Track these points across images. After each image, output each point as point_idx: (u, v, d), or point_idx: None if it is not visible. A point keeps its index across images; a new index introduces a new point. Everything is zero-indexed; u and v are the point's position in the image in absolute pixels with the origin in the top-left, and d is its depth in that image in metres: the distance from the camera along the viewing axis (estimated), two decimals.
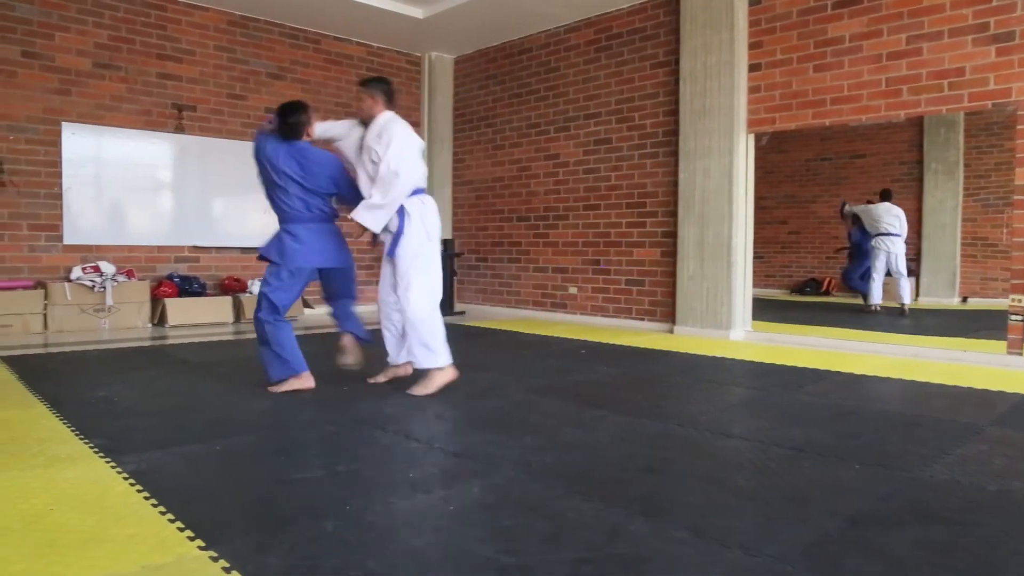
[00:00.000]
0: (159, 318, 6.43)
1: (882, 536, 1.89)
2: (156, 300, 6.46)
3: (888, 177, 9.97)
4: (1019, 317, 4.63)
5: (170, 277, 6.67)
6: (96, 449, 2.60)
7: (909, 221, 9.88)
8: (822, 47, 5.46)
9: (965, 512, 2.07)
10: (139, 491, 2.17)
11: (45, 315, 5.88)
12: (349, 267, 3.79)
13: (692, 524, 1.95)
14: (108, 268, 6.22)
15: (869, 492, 2.24)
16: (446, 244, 8.09)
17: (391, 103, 3.64)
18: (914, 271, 9.31)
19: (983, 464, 2.53)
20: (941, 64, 4.91)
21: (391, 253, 3.57)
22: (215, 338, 5.67)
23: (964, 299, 9.09)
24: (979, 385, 3.96)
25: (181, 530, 1.87)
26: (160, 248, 6.77)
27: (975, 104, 4.81)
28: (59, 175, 6.18)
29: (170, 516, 1.97)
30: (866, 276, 8.23)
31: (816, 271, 10.83)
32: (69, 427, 2.90)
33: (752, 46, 5.83)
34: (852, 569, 1.69)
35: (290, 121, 3.55)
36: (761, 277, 10.80)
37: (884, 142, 10.01)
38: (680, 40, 6.19)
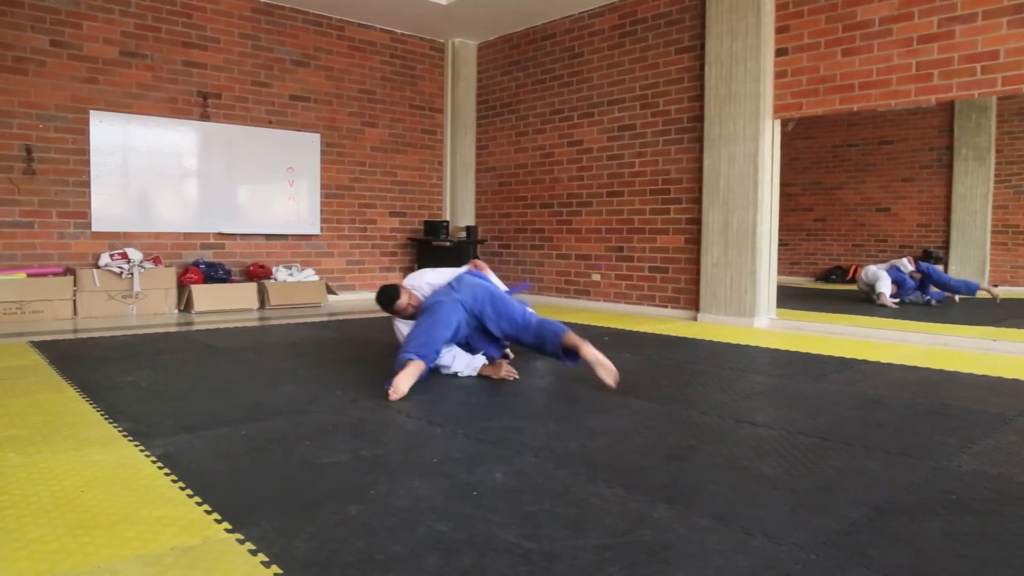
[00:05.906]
0: (185, 304, 6.51)
1: (909, 526, 1.87)
2: (182, 286, 6.54)
3: (917, 163, 9.82)
4: None
5: (196, 264, 6.75)
6: (125, 433, 2.64)
7: (938, 208, 9.73)
8: (851, 31, 5.37)
9: (993, 503, 2.05)
10: (167, 474, 2.20)
11: (74, 301, 5.98)
12: None
13: (716, 511, 1.95)
14: (135, 255, 6.31)
15: (896, 482, 2.22)
16: (469, 231, 8.11)
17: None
18: (942, 259, 9.18)
19: (1012, 455, 2.50)
20: (974, 47, 4.80)
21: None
22: (240, 324, 5.72)
23: (994, 287, 8.94)
24: (1008, 375, 3.90)
25: (208, 513, 1.90)
26: (186, 235, 6.85)
27: (1009, 88, 4.70)
28: (87, 163, 6.27)
29: (197, 499, 2.00)
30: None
31: (842, 259, 10.70)
32: (98, 411, 2.95)
33: (779, 30, 5.74)
34: (878, 558, 1.68)
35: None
36: (786, 265, 10.71)
37: (913, 128, 9.84)
38: (705, 24, 6.12)
